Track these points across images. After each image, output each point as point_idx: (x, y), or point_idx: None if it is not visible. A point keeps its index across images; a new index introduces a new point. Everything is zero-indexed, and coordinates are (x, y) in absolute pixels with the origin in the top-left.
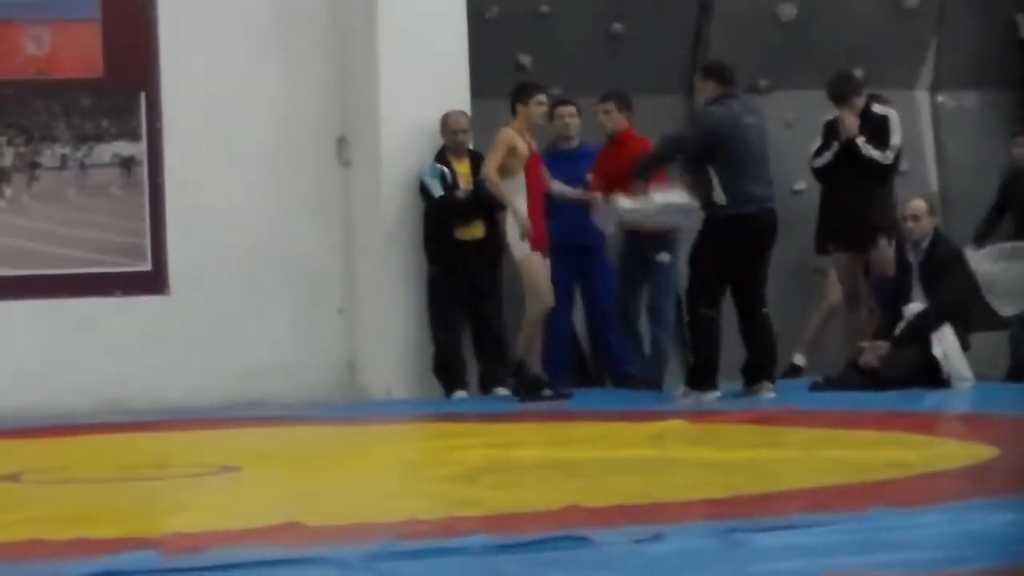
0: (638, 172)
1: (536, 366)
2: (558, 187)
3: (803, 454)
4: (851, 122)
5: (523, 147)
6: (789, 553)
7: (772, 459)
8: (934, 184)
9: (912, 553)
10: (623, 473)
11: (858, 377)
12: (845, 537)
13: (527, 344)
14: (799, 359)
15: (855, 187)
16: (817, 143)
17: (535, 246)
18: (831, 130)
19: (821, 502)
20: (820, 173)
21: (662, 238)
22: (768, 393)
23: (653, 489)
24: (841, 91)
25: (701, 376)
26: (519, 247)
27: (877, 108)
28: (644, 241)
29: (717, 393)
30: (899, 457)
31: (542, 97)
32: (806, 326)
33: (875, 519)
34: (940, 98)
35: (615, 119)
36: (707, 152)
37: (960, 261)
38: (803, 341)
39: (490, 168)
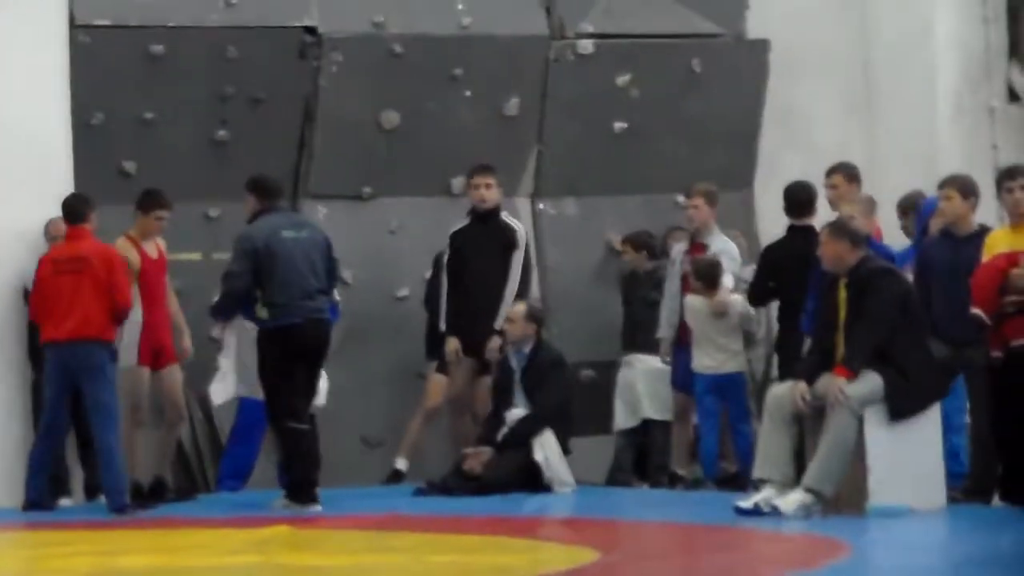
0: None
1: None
2: None
3: (409, 559)
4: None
5: (135, 258)
6: None
7: (378, 564)
8: (536, 291)
9: None
10: None
11: (462, 482)
12: None
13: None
14: (401, 464)
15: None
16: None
17: (146, 359)
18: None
19: None
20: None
21: None
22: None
23: None
24: None
25: (300, 489)
26: (125, 357)
27: (507, 219)
28: None
29: (318, 507)
30: (503, 561)
31: (162, 212)
32: (406, 431)
33: None
34: (541, 205)
35: None
36: (254, 270)
37: (561, 366)
38: (404, 446)
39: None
